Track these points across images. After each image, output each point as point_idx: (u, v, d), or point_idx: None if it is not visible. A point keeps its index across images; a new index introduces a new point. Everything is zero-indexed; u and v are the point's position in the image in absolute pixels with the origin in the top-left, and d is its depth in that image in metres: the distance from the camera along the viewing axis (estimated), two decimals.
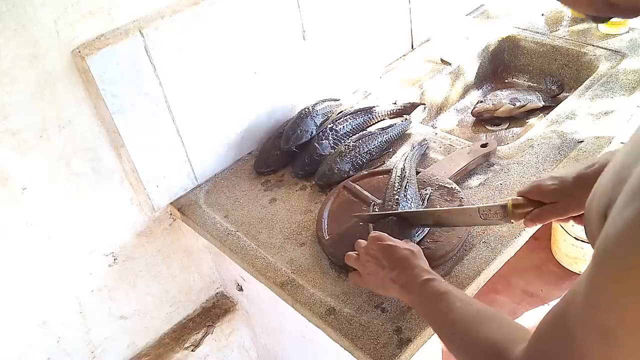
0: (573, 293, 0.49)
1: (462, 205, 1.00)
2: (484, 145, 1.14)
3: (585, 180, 0.82)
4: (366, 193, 1.09)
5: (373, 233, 0.88)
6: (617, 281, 0.42)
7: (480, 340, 0.63)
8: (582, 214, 0.82)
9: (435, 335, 0.89)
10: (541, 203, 0.84)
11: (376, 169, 1.17)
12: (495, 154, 1.15)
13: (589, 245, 1.91)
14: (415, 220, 0.96)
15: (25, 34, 0.89)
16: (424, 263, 0.82)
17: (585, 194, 0.82)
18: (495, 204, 0.87)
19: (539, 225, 0.88)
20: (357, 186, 1.11)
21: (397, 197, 0.99)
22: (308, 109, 1.28)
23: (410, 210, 0.98)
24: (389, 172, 1.13)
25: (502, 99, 1.48)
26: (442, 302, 0.72)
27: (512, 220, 0.86)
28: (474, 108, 1.50)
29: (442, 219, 0.94)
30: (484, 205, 0.87)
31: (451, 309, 0.70)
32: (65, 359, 1.17)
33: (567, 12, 1.62)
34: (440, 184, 1.07)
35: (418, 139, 1.24)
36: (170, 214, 1.22)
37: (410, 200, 1.00)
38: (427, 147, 1.21)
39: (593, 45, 1.46)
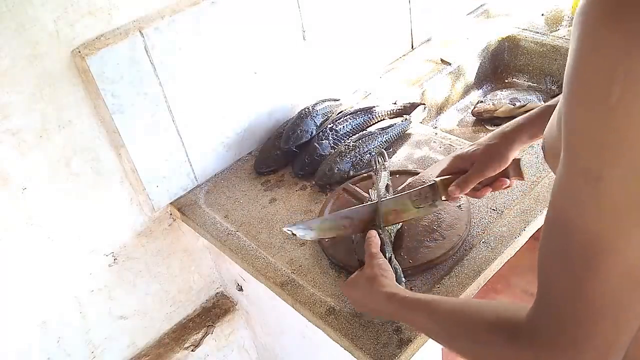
0: (553, 186, 0.47)
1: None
2: None
3: (504, 133, 0.85)
4: (365, 195, 1.09)
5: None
6: (591, 119, 0.40)
7: (480, 321, 0.57)
8: (506, 170, 0.85)
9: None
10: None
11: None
12: None
13: None
14: (377, 223, 0.92)
15: (25, 34, 0.89)
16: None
17: (506, 144, 0.85)
18: (424, 185, 0.87)
19: (463, 194, 0.86)
20: (356, 188, 1.11)
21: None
22: (308, 109, 1.28)
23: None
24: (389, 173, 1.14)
25: (502, 99, 1.48)
26: (427, 303, 0.68)
27: (444, 198, 0.86)
28: (474, 108, 1.50)
29: (389, 215, 0.91)
30: (414, 190, 0.86)
31: (436, 307, 0.66)
32: (65, 359, 1.17)
33: (567, 12, 1.63)
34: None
35: (431, 139, 1.23)
36: (170, 214, 1.22)
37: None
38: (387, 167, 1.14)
39: None
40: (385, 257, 0.84)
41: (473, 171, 0.85)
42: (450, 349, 0.66)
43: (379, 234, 0.88)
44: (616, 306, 0.43)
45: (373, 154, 1.17)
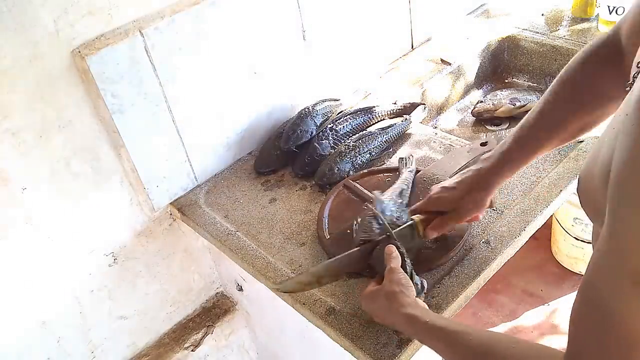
0: (593, 263, 0.48)
1: None
2: (483, 144, 1.14)
3: (486, 179, 0.87)
4: (366, 191, 1.09)
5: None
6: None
7: None
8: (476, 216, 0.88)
9: None
10: (442, 213, 0.88)
11: (376, 168, 1.17)
12: None
13: (590, 245, 1.91)
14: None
15: (25, 34, 0.89)
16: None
17: (487, 191, 0.88)
18: (404, 226, 0.89)
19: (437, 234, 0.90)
20: (357, 185, 1.11)
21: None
22: (308, 109, 1.28)
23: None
24: (389, 170, 1.14)
25: (502, 99, 1.48)
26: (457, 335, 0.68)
27: (423, 237, 0.89)
28: (474, 108, 1.50)
29: (351, 262, 0.90)
30: (395, 231, 0.87)
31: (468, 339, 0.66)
32: (65, 359, 1.17)
33: (567, 12, 1.63)
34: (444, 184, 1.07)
35: (431, 139, 1.22)
36: (170, 214, 1.22)
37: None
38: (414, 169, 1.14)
39: None
40: (406, 271, 0.82)
41: (453, 216, 0.88)
42: None
43: (398, 249, 0.85)
44: None
45: (401, 156, 1.16)
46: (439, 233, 0.90)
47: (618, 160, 0.45)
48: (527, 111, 1.47)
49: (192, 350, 1.33)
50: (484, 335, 0.65)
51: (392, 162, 1.20)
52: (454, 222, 0.89)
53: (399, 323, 0.76)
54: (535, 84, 1.61)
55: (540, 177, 1.08)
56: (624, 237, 0.44)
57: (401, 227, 0.89)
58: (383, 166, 1.19)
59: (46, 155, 0.98)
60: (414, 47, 1.62)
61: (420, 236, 0.90)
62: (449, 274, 0.92)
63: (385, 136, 1.23)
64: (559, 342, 1.76)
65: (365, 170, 1.16)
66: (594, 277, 0.49)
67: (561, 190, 1.04)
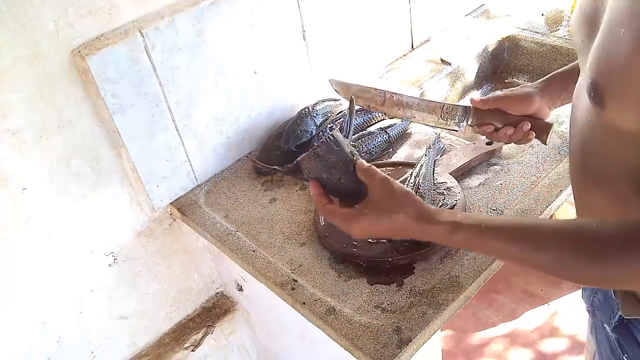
0: None
1: None
2: (489, 143, 1.14)
3: (539, 82, 0.90)
4: (363, 237, 1.08)
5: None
6: None
7: (600, 235, 0.58)
8: (536, 127, 0.91)
9: (438, 331, 0.89)
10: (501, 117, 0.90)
11: (379, 162, 1.17)
12: (501, 152, 1.15)
13: None
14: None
15: (25, 34, 0.89)
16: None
17: (538, 91, 0.91)
18: (459, 104, 0.91)
19: (484, 107, 0.92)
20: None
21: None
22: (308, 109, 1.28)
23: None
24: (391, 165, 1.14)
25: None
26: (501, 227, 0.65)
27: (469, 123, 0.90)
28: None
29: (402, 103, 0.93)
30: (449, 103, 0.90)
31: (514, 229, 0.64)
32: (65, 359, 1.17)
33: (567, 12, 1.63)
34: (439, 179, 1.07)
35: (431, 139, 1.21)
36: (170, 214, 1.22)
37: None
38: (442, 147, 1.18)
39: None
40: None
41: (500, 95, 0.90)
42: (559, 275, 0.64)
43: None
44: None
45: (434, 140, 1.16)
46: (482, 105, 0.91)
47: None
48: None
49: (192, 350, 1.33)
50: (551, 222, 0.65)
51: (394, 158, 1.20)
52: (498, 101, 0.89)
53: (437, 234, 0.69)
54: None
55: (540, 177, 1.08)
56: None
57: (457, 104, 0.91)
58: (384, 161, 1.19)
59: (46, 155, 0.99)
60: (413, 47, 1.62)
61: (468, 121, 0.90)
62: (449, 273, 0.93)
63: (385, 136, 1.23)
64: (559, 342, 1.76)
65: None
66: None
67: (561, 190, 1.04)
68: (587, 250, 0.58)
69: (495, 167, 1.13)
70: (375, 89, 0.97)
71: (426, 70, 1.51)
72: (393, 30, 1.54)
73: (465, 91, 1.60)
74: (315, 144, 0.76)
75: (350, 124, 1.01)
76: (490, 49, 1.61)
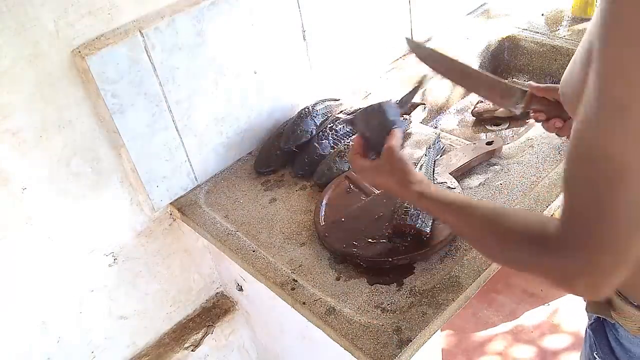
0: (575, 135, 0.51)
1: None
2: (489, 143, 1.15)
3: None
4: (367, 184, 1.09)
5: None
6: (622, 56, 0.45)
7: (513, 227, 0.63)
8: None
9: (438, 331, 0.89)
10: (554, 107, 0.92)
11: None
12: (501, 152, 1.15)
13: None
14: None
15: (25, 34, 0.89)
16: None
17: None
18: (519, 87, 0.93)
19: (537, 93, 0.93)
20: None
21: (410, 210, 0.98)
22: (308, 109, 1.28)
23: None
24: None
25: None
26: (462, 203, 0.74)
27: (523, 105, 0.92)
28: (474, 108, 1.50)
29: (465, 72, 0.99)
30: (508, 81, 0.93)
31: (473, 208, 0.72)
32: (65, 359, 1.17)
33: (567, 12, 1.63)
34: (440, 179, 1.07)
35: (431, 139, 1.22)
36: (170, 214, 1.22)
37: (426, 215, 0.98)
38: (442, 147, 1.19)
39: None
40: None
41: (549, 85, 0.92)
42: (479, 250, 0.76)
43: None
44: (633, 221, 0.50)
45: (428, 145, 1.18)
46: (535, 91, 0.92)
47: (600, 14, 0.47)
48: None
49: (192, 350, 1.33)
50: (489, 206, 0.73)
51: None
52: (546, 91, 0.91)
53: (410, 197, 0.81)
54: None
55: (540, 177, 1.08)
56: (605, 70, 0.47)
57: (517, 86, 0.93)
58: None
59: (46, 155, 0.99)
60: None
61: (522, 103, 0.92)
62: (449, 273, 0.93)
63: None
64: (560, 341, 1.76)
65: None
66: (576, 129, 0.51)
67: (561, 191, 1.04)
68: (496, 234, 0.66)
69: (495, 167, 1.13)
70: (444, 56, 1.00)
71: (426, 70, 1.51)
72: (393, 30, 1.54)
73: (466, 91, 1.60)
74: (369, 105, 0.92)
75: (406, 101, 1.05)
76: (490, 49, 1.61)
